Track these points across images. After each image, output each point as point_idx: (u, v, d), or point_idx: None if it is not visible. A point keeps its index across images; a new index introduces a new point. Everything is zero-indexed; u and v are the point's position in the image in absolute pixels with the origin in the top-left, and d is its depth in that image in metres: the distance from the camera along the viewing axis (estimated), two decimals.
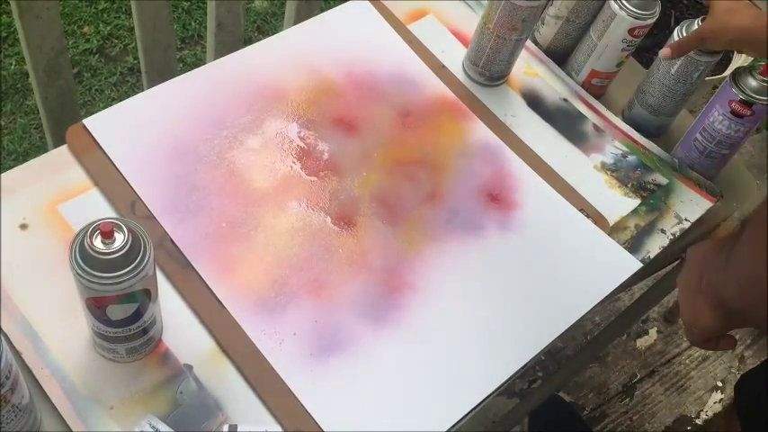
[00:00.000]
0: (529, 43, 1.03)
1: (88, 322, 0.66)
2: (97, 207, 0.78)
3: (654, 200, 0.94)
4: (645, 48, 1.46)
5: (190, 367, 0.71)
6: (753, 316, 0.60)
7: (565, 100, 1.00)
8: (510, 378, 0.77)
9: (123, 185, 0.80)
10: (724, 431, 1.44)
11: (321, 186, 0.85)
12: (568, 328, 0.81)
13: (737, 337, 0.68)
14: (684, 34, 0.90)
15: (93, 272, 0.59)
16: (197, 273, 0.76)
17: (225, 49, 1.15)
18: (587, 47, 0.98)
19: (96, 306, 0.62)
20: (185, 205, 0.80)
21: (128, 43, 1.76)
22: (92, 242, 0.59)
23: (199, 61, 1.76)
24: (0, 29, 1.71)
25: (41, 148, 1.55)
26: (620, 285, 0.86)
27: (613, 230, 0.90)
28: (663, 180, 0.95)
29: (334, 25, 0.99)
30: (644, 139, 0.98)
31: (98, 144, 0.82)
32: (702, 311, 0.63)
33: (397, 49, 0.99)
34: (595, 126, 0.99)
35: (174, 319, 0.73)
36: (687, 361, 1.61)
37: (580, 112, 0.99)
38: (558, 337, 0.81)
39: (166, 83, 0.89)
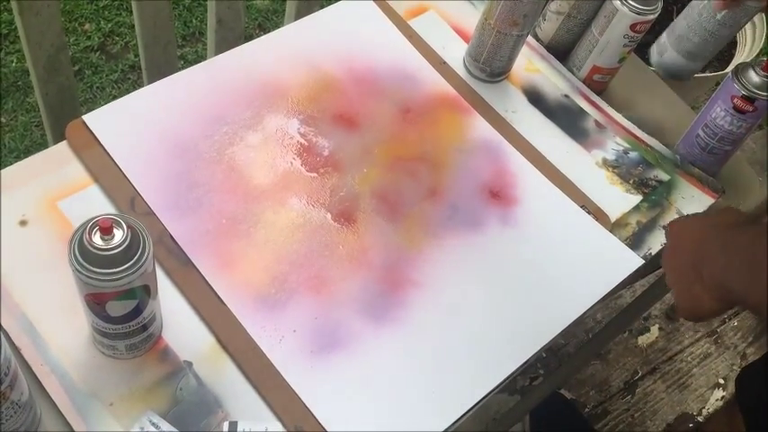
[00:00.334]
0: (530, 39, 1.03)
1: (88, 319, 0.66)
2: (97, 203, 0.78)
3: (655, 196, 0.93)
4: (646, 43, 1.46)
5: (190, 364, 0.71)
6: (755, 302, 0.60)
7: (566, 96, 1.00)
8: (511, 375, 0.77)
9: (123, 182, 0.80)
10: (726, 429, 1.43)
11: (321, 183, 0.85)
12: (570, 325, 0.81)
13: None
14: None
15: (92, 268, 0.58)
16: (197, 269, 0.76)
17: (225, 46, 1.15)
18: (589, 43, 0.98)
19: (96, 302, 0.62)
20: (185, 201, 0.80)
21: (129, 40, 1.76)
22: (91, 238, 0.59)
23: (200, 58, 1.75)
24: (0, 26, 1.71)
25: (42, 146, 1.55)
26: (622, 282, 0.86)
27: (615, 227, 0.90)
28: (664, 176, 0.95)
29: (335, 21, 0.99)
30: (645, 135, 0.98)
31: (98, 140, 0.82)
32: (701, 299, 0.63)
33: (397, 45, 0.98)
34: (597, 122, 0.98)
35: (174, 315, 0.73)
36: (689, 358, 1.61)
37: (581, 108, 0.99)
38: (560, 333, 0.80)
39: (166, 79, 0.89)
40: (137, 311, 0.64)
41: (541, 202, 0.89)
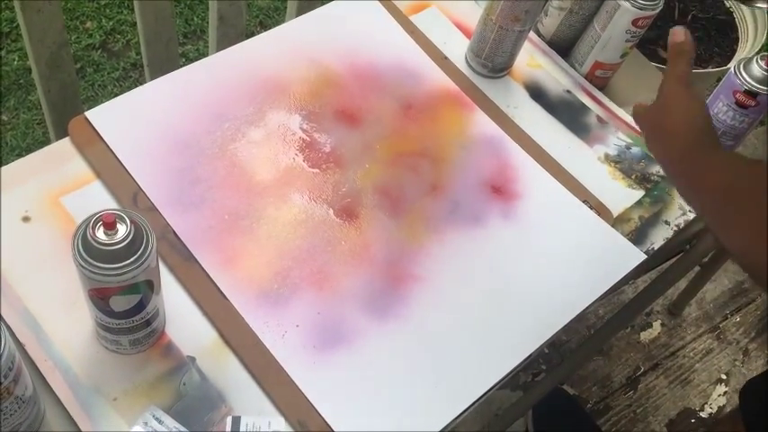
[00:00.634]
0: (532, 35, 1.03)
1: (91, 314, 0.66)
2: (99, 199, 0.78)
3: (658, 191, 0.93)
4: (648, 39, 1.46)
5: (193, 359, 0.71)
6: None
7: (568, 91, 1.00)
8: (513, 370, 0.77)
9: (125, 177, 0.80)
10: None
11: (323, 178, 0.85)
12: (572, 321, 0.81)
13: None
14: None
15: (95, 263, 0.59)
16: (200, 264, 0.76)
17: (227, 43, 1.15)
18: (591, 38, 0.98)
19: (99, 297, 0.62)
20: (188, 197, 0.80)
21: (130, 38, 1.76)
22: (94, 233, 0.59)
23: (201, 56, 1.75)
24: (2, 24, 1.71)
25: (44, 144, 1.53)
26: (624, 277, 0.86)
27: (617, 222, 0.90)
28: None
29: (336, 18, 0.99)
30: None
31: (100, 136, 0.82)
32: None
33: (399, 40, 0.98)
34: (599, 117, 0.98)
35: (177, 310, 0.73)
36: (691, 354, 1.61)
37: (583, 103, 0.99)
38: (562, 329, 0.80)
39: (168, 75, 0.89)
40: (140, 306, 0.64)
41: (543, 197, 0.89)
